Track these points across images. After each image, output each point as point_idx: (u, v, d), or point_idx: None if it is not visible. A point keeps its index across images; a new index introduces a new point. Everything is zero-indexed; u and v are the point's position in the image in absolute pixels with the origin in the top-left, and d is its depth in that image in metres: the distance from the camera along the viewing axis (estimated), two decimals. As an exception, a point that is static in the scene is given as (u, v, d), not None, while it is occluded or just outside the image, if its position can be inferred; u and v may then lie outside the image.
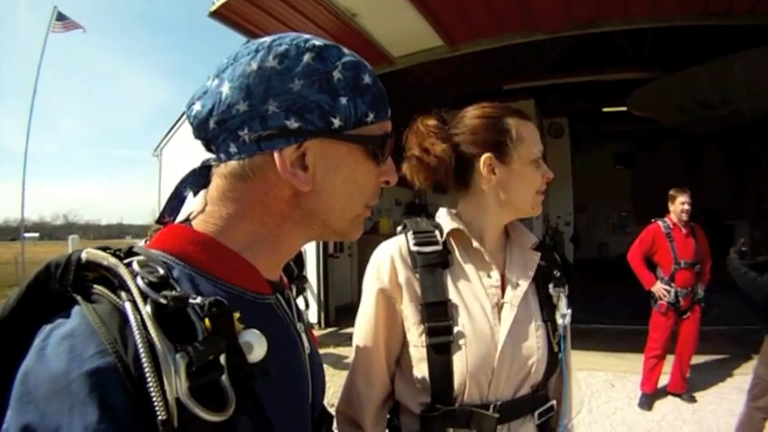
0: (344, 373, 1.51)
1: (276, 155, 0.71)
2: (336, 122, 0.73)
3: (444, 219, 1.43)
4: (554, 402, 1.40)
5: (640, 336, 5.52)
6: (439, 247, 1.37)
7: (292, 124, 0.70)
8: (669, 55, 8.93)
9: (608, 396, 5.38)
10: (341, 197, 0.77)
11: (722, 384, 5.46)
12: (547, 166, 1.41)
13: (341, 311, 9.80)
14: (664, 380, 5.34)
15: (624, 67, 9.76)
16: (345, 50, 0.78)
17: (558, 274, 1.44)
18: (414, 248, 1.36)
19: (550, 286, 1.40)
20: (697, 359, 5.48)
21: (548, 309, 1.38)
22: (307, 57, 0.72)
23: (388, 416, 1.46)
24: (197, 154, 0.80)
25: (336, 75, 0.73)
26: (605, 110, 13.22)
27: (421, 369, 1.32)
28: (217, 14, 6.03)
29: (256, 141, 0.71)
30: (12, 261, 20.45)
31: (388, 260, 1.36)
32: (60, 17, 19.22)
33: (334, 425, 1.00)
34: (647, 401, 5.15)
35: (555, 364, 1.38)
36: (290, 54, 0.72)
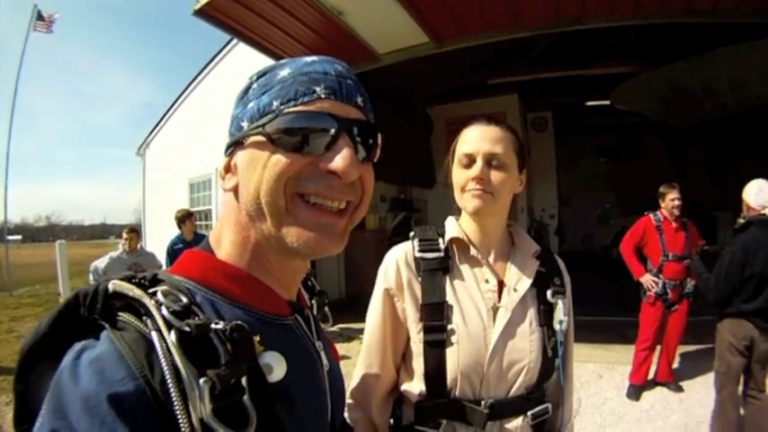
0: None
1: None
2: (245, 125, 0.77)
3: (448, 227, 1.54)
4: (549, 405, 1.45)
5: (627, 327, 5.58)
6: (440, 254, 1.47)
7: (227, 140, 0.80)
8: (653, 50, 8.98)
9: (597, 387, 5.44)
10: (252, 189, 0.74)
11: (708, 374, 5.46)
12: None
13: (330, 308, 9.69)
14: (651, 370, 5.42)
15: (608, 62, 9.80)
16: (280, 61, 0.82)
17: (558, 281, 1.50)
18: (418, 254, 1.48)
19: (548, 293, 1.46)
20: (683, 349, 5.56)
21: (546, 315, 1.44)
22: (247, 84, 0.81)
23: (395, 407, 1.54)
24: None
25: (253, 86, 0.79)
26: (589, 104, 13.26)
27: (419, 363, 1.42)
28: (201, 13, 5.99)
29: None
30: (-4, 265, 20.22)
31: (395, 264, 1.49)
32: (41, 16, 18.95)
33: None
34: (635, 392, 5.23)
35: (550, 368, 1.44)
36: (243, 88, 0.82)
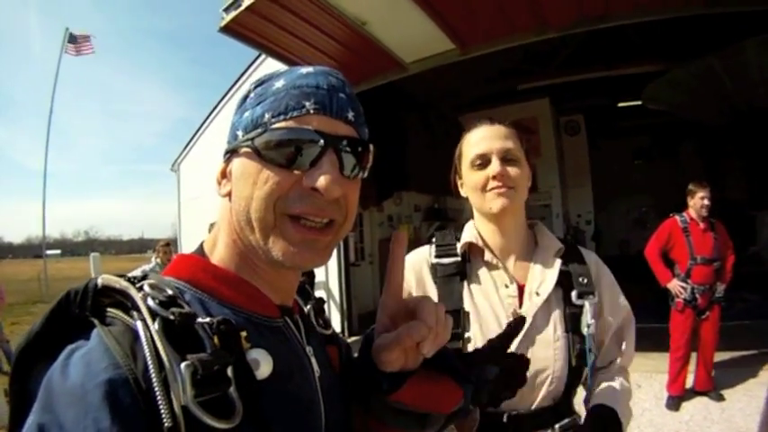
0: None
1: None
2: (240, 134, 0.78)
3: (465, 231, 1.51)
4: (576, 417, 1.39)
5: (665, 334, 5.44)
6: (457, 259, 1.44)
7: (226, 146, 0.81)
8: (681, 46, 8.81)
9: (635, 397, 5.22)
10: (243, 201, 0.76)
11: (749, 381, 5.39)
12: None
13: (364, 319, 9.80)
14: (689, 379, 5.28)
15: (636, 61, 9.67)
16: (276, 71, 0.83)
17: (585, 280, 1.41)
18: (434, 260, 1.45)
19: (573, 294, 1.38)
20: (723, 356, 5.40)
21: (572, 319, 1.37)
22: (246, 91, 0.82)
23: None
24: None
25: (250, 95, 0.81)
26: (621, 105, 13.10)
27: None
28: (227, 30, 6.06)
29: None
30: (35, 278, 20.82)
31: (411, 268, 1.46)
32: (72, 39, 19.41)
33: None
34: (675, 402, 5.09)
35: (577, 377, 1.37)
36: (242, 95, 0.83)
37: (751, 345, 6.24)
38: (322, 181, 0.73)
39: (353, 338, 8.86)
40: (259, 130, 0.75)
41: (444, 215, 13.42)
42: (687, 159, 15.16)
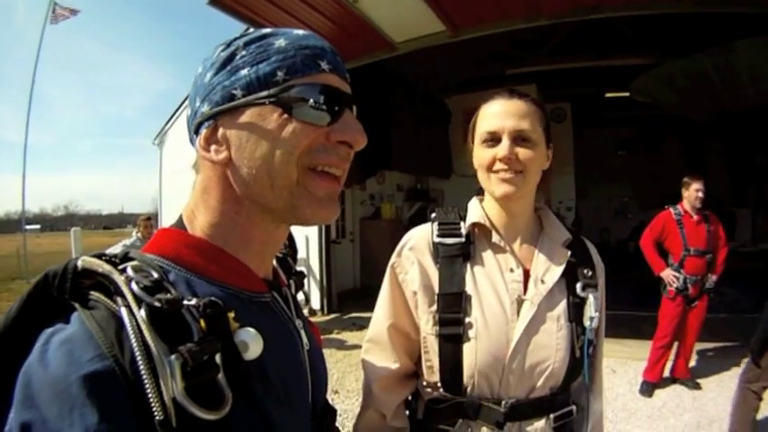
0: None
1: (197, 138, 0.78)
2: (239, 93, 0.74)
3: (471, 210, 1.44)
4: (573, 408, 1.36)
5: (642, 322, 5.54)
6: (461, 239, 1.37)
7: (205, 109, 0.76)
8: (671, 41, 8.83)
9: (609, 382, 5.36)
10: (259, 161, 0.74)
11: (723, 372, 5.50)
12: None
13: (344, 297, 9.85)
14: (667, 367, 5.37)
15: (626, 54, 9.66)
16: (266, 30, 0.80)
17: (590, 273, 1.38)
18: (437, 240, 1.38)
19: (578, 286, 1.34)
20: (699, 347, 5.51)
21: (575, 310, 1.33)
22: (217, 51, 0.79)
23: (410, 398, 1.48)
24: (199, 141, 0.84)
25: (239, 53, 0.76)
26: (608, 95, 13.11)
27: (433, 358, 1.33)
28: (216, 2, 5.95)
29: (195, 133, 0.79)
30: (14, 254, 20.48)
31: (411, 249, 1.40)
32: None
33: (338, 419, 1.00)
34: (648, 388, 5.18)
35: (577, 368, 1.33)
36: (208, 56, 0.80)
37: (726, 337, 6.37)
38: (355, 134, 0.78)
39: (332, 315, 8.91)
40: (279, 87, 0.73)
41: (426, 196, 13.45)
42: (670, 153, 15.25)
